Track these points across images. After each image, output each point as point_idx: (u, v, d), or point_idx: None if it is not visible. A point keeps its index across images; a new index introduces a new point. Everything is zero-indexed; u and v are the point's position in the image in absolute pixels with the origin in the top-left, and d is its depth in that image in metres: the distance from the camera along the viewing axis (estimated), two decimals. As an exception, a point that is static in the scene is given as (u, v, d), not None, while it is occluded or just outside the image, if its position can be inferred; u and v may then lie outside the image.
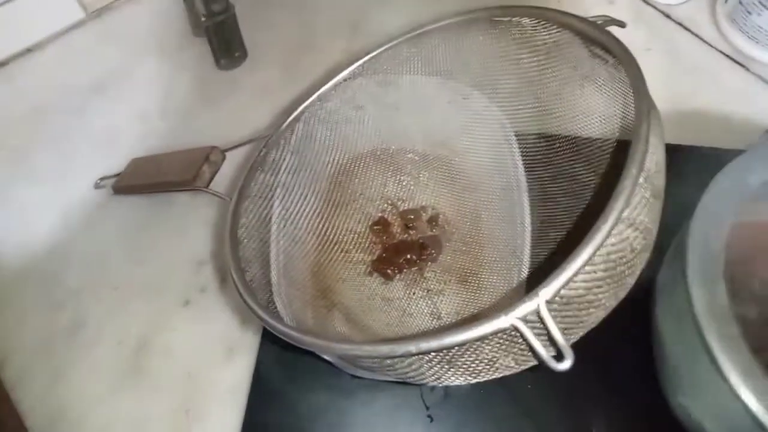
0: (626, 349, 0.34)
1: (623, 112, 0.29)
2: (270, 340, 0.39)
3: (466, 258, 0.36)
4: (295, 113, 0.38)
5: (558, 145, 0.34)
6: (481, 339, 0.21)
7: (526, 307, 0.20)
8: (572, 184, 0.33)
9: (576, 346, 0.21)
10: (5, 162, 0.48)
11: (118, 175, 0.45)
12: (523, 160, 0.36)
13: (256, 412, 0.36)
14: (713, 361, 0.23)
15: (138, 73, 0.53)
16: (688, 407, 0.28)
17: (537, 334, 0.20)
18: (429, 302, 0.34)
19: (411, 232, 0.38)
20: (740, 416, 0.23)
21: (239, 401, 0.37)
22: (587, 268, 0.21)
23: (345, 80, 0.38)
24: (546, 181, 0.35)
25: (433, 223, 0.38)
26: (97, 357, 0.40)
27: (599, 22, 0.29)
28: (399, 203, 0.39)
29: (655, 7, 0.53)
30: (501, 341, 0.21)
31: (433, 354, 0.22)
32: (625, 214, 0.21)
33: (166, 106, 0.51)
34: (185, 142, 0.46)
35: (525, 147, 0.36)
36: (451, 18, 0.36)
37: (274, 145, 0.37)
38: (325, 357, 0.29)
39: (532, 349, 0.20)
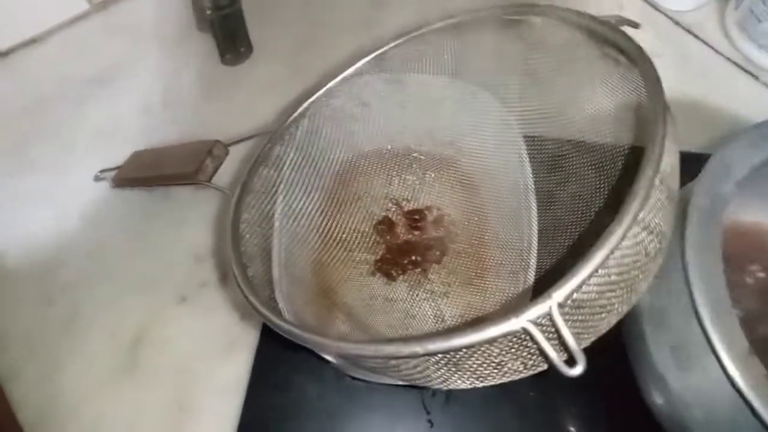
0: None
1: (635, 115, 0.29)
2: (269, 337, 0.38)
3: (471, 260, 0.35)
4: (301, 108, 0.37)
5: (567, 147, 0.34)
6: (490, 341, 0.20)
7: (538, 310, 0.19)
8: (581, 188, 0.33)
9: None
10: (5, 152, 0.48)
11: (118, 167, 0.45)
12: (530, 162, 0.35)
13: (252, 411, 0.36)
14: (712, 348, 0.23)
15: (141, 66, 0.52)
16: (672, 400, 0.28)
17: (548, 338, 0.20)
18: (433, 304, 0.34)
19: (416, 232, 0.37)
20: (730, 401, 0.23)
21: (236, 398, 0.37)
22: (600, 271, 0.20)
23: (351, 77, 0.37)
24: (554, 183, 0.34)
25: (438, 224, 0.37)
26: (92, 350, 0.39)
27: (612, 22, 0.29)
28: (404, 203, 0.38)
29: (665, 14, 0.53)
30: (510, 344, 0.21)
31: (440, 356, 0.21)
32: (641, 216, 0.21)
33: (168, 100, 0.50)
34: (188, 136, 0.45)
35: (533, 148, 0.36)
36: (461, 16, 0.35)
37: (278, 141, 0.36)
38: (327, 357, 0.28)
39: (543, 353, 0.19)
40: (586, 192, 0.32)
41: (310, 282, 0.33)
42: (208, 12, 0.44)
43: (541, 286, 0.31)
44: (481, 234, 0.36)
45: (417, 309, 0.34)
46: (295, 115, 0.37)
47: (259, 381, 0.37)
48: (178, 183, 0.40)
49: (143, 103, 0.50)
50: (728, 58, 0.49)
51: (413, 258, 0.35)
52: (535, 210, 0.34)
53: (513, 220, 0.35)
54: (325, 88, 0.37)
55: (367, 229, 0.37)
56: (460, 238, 0.36)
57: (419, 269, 0.35)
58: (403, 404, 0.36)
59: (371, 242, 0.37)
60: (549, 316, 0.20)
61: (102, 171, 0.45)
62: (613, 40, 0.28)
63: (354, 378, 0.36)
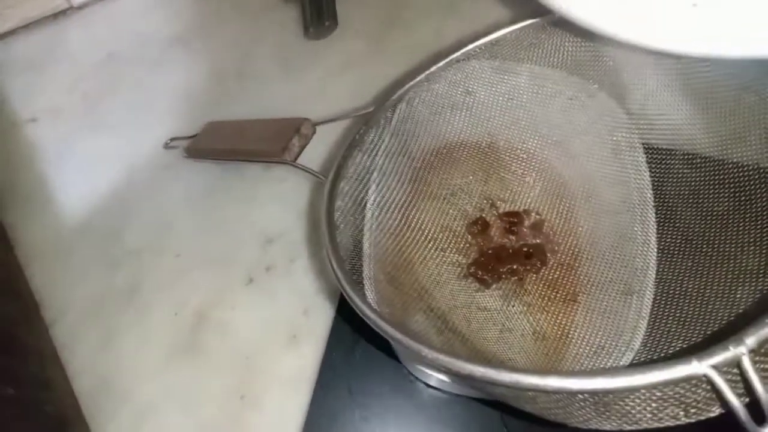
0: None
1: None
2: (340, 334, 0.36)
3: (575, 274, 0.32)
4: (400, 92, 0.34)
5: (698, 162, 0.30)
6: (657, 385, 0.17)
7: (726, 355, 0.17)
8: (712, 209, 0.29)
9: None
10: (75, 108, 0.46)
11: (190, 137, 0.43)
12: (650, 174, 0.32)
13: (320, 410, 0.34)
14: None
15: (218, 32, 0.50)
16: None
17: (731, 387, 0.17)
18: (531, 318, 0.31)
19: (511, 237, 0.34)
20: None
21: (302, 394, 0.34)
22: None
23: (457, 61, 0.34)
24: (677, 201, 0.31)
25: (537, 231, 0.34)
26: (151, 326, 0.38)
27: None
28: (499, 204, 0.35)
29: None
30: (678, 388, 0.18)
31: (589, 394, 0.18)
32: None
33: (244, 70, 0.48)
34: (262, 110, 0.43)
35: (654, 159, 0.32)
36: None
37: (373, 124, 0.34)
38: (416, 364, 0.26)
39: (727, 404, 0.17)
40: (717, 213, 0.29)
41: (402, 281, 0.30)
42: (300, -20, 0.42)
43: (660, 311, 0.29)
44: (586, 246, 0.33)
45: (513, 322, 0.31)
46: (394, 98, 0.34)
47: (328, 379, 0.34)
48: (259, 160, 0.38)
49: (218, 72, 0.48)
50: None
51: (511, 266, 0.32)
52: (654, 227, 0.31)
53: (625, 235, 0.31)
54: (427, 72, 0.34)
55: (459, 229, 0.34)
56: (561, 248, 0.33)
57: (515, 278, 0.32)
58: (480, 420, 0.33)
59: (463, 243, 0.34)
60: (738, 363, 0.17)
61: (173, 139, 0.43)
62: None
63: (429, 385, 0.34)
